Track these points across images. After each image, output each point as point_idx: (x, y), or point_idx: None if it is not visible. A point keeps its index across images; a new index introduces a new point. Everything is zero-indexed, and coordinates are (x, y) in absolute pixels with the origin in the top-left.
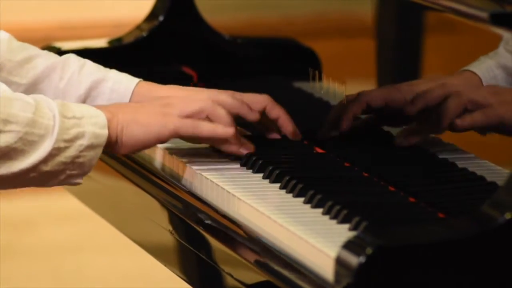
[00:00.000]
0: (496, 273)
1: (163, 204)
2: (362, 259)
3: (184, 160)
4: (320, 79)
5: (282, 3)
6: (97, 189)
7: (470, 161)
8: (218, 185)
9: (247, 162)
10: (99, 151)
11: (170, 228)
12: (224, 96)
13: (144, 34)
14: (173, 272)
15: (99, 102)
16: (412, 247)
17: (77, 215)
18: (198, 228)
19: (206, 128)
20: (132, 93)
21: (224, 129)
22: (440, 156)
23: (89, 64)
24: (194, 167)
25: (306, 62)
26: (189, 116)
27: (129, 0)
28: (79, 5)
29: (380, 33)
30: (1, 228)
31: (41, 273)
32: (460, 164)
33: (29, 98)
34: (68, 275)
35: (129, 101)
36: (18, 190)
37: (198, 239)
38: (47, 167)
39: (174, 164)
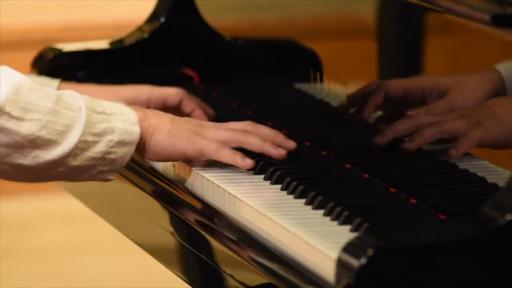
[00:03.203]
0: (497, 274)
1: (164, 205)
2: (363, 260)
3: (185, 161)
4: (321, 80)
5: (283, 4)
6: (98, 190)
7: (471, 163)
8: (219, 186)
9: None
10: (131, 148)
11: (171, 229)
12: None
13: (146, 35)
14: (174, 273)
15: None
16: (413, 249)
17: (78, 215)
18: (199, 230)
19: (226, 156)
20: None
21: (243, 162)
22: (441, 157)
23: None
24: (195, 169)
25: (307, 64)
26: (219, 140)
27: (130, 1)
28: (80, 6)
29: (381, 34)
30: (1, 228)
31: (41, 274)
32: (461, 165)
33: (51, 90)
34: (68, 276)
35: None
36: (18, 190)
37: (199, 240)
38: (75, 162)
39: (175, 165)
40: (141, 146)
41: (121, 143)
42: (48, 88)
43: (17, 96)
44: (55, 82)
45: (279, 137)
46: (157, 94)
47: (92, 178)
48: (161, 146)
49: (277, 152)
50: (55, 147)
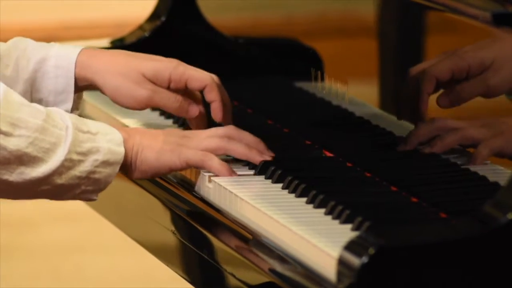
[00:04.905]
0: (498, 273)
1: (165, 204)
2: (364, 259)
3: None
4: (322, 79)
5: (284, 3)
6: None
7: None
8: (220, 185)
9: (249, 163)
10: (116, 168)
11: (173, 228)
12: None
13: (146, 34)
14: (175, 272)
15: (46, 82)
16: (414, 247)
17: (78, 214)
18: (200, 228)
19: (214, 166)
20: (76, 65)
21: (229, 173)
22: (442, 156)
23: (31, 45)
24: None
25: (308, 62)
26: (204, 150)
27: (131, 0)
28: (81, 5)
29: (381, 33)
30: (1, 227)
31: (41, 273)
32: (462, 164)
33: (40, 107)
34: (68, 275)
35: (75, 73)
36: None
37: (200, 239)
38: (60, 180)
39: None
40: (127, 166)
41: (105, 163)
42: (37, 105)
43: (6, 111)
44: (78, 49)
45: (261, 145)
46: (179, 74)
47: (75, 197)
48: (147, 163)
49: (263, 160)
50: (40, 164)
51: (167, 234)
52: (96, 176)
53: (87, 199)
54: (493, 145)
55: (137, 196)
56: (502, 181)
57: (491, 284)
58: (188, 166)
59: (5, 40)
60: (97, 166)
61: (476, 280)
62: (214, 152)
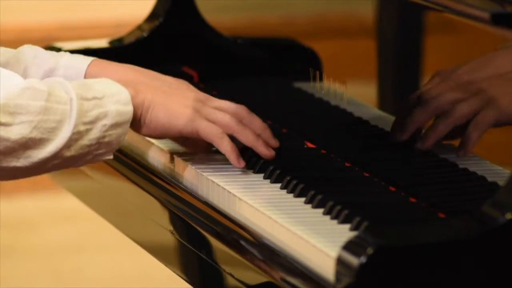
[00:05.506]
0: (497, 273)
1: (163, 204)
2: (363, 259)
3: (185, 160)
4: (320, 79)
5: (283, 4)
6: (98, 189)
7: (471, 161)
8: (219, 185)
9: (248, 162)
10: (126, 127)
11: (171, 228)
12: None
13: (145, 34)
14: (174, 272)
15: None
16: (413, 247)
17: (78, 215)
18: (198, 228)
19: (224, 146)
20: (85, 75)
21: (237, 161)
22: (441, 156)
23: (41, 54)
24: (195, 167)
25: (307, 63)
26: (215, 122)
27: (130, 1)
28: (79, 5)
29: (380, 33)
30: (1, 228)
31: (41, 273)
32: (461, 164)
33: (42, 85)
34: (68, 275)
35: None
36: (17, 189)
37: (198, 239)
38: (70, 152)
39: (175, 164)
40: (136, 122)
41: (115, 125)
42: (38, 83)
43: (5, 100)
44: (88, 60)
45: (267, 131)
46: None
47: (89, 162)
48: (157, 122)
49: (268, 152)
50: (47, 144)
51: (165, 234)
52: (107, 139)
53: (102, 161)
54: (484, 122)
55: (135, 196)
56: (501, 181)
57: (489, 284)
58: (197, 135)
59: (5, 40)
60: (106, 131)
61: (475, 280)
62: (223, 128)
